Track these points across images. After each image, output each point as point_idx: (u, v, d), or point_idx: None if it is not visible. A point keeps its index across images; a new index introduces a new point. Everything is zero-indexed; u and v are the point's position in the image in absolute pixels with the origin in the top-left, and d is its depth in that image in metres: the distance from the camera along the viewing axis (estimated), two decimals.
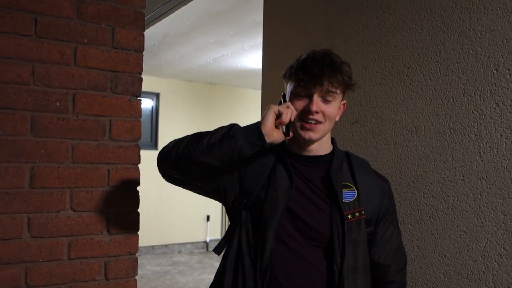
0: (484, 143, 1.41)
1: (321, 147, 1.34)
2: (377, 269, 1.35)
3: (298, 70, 1.26)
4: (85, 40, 1.61)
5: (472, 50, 1.45)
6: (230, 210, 1.36)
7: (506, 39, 1.36)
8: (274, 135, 1.25)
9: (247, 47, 5.18)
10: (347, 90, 1.32)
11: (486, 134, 1.41)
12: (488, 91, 1.41)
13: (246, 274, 1.26)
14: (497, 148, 1.38)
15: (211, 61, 5.96)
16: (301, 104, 1.26)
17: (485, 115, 1.41)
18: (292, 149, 1.35)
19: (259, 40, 4.56)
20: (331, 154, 1.35)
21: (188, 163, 1.25)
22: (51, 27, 1.56)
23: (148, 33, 4.26)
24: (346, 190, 1.30)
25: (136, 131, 1.69)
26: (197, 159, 1.23)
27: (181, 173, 1.28)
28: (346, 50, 1.88)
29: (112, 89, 1.65)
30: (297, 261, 1.26)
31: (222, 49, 5.31)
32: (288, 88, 1.32)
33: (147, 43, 4.68)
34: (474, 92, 1.44)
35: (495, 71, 1.39)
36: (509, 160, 1.35)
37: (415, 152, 1.60)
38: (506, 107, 1.36)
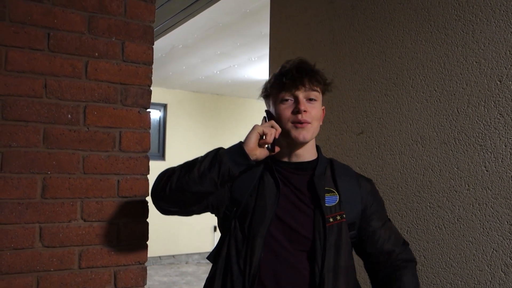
0: (488, 153, 1.43)
1: (307, 152, 1.39)
2: (382, 256, 1.38)
3: (280, 76, 1.33)
4: (96, 54, 1.65)
5: (476, 62, 1.47)
6: (222, 221, 1.42)
7: (509, 50, 1.38)
8: (257, 153, 1.31)
9: (253, 59, 5.23)
10: (325, 92, 1.39)
11: (491, 144, 1.42)
12: (492, 102, 1.42)
13: (234, 281, 1.29)
14: (502, 158, 1.39)
15: (218, 72, 6.01)
16: (289, 108, 1.33)
17: (489, 126, 1.43)
18: (279, 157, 1.40)
19: (265, 51, 4.61)
20: (316, 160, 1.41)
21: (183, 195, 1.31)
22: (63, 42, 1.60)
23: (156, 45, 4.32)
24: (328, 194, 1.34)
25: (145, 142, 1.72)
26: (192, 189, 1.29)
27: (176, 205, 1.35)
28: (352, 62, 1.91)
29: (122, 101, 1.69)
30: (284, 266, 1.30)
31: (228, 60, 5.36)
32: (272, 100, 1.38)
33: (155, 54, 4.73)
34: (478, 103, 1.46)
35: (498, 82, 1.41)
36: None
37: (421, 162, 1.62)
38: (510, 117, 1.38)
